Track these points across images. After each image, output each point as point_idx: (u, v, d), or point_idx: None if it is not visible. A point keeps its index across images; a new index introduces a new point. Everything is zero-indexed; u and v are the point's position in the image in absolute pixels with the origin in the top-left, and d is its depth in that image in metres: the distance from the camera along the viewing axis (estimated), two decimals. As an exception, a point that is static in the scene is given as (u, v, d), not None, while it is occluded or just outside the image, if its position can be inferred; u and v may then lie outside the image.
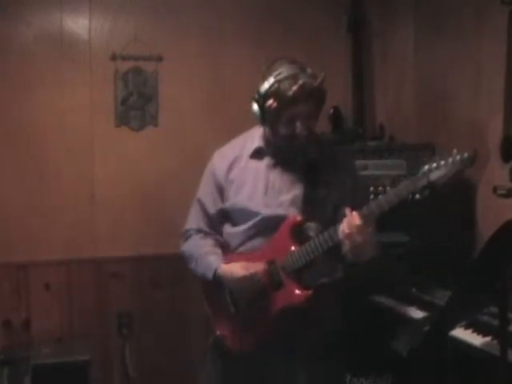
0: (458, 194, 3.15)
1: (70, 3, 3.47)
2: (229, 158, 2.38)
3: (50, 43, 3.45)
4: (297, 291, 2.17)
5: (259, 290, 2.21)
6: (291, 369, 2.25)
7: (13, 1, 3.39)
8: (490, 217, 2.66)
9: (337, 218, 2.18)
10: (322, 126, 3.57)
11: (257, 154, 2.35)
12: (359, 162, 3.08)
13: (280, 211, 2.25)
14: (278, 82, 2.19)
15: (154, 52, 3.55)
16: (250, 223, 2.29)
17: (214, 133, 3.38)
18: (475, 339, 2.22)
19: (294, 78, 2.19)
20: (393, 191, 2.07)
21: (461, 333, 2.26)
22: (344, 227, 2.06)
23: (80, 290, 3.50)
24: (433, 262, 3.00)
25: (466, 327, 2.28)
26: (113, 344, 3.56)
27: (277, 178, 2.30)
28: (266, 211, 2.26)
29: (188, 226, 2.45)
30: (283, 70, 2.21)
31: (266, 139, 2.34)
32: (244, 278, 2.21)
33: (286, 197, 2.27)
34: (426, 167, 2.01)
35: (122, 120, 3.57)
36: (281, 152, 2.31)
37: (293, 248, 2.20)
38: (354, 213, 2.06)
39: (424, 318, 2.49)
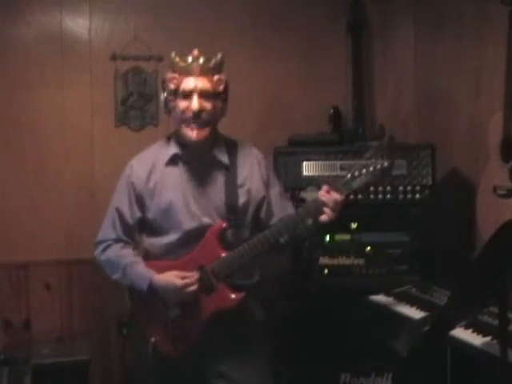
0: (458, 193, 3.15)
1: (70, 3, 3.47)
2: (146, 166, 2.39)
3: (50, 43, 3.45)
4: (229, 295, 2.26)
5: (192, 297, 2.27)
6: (223, 370, 2.32)
7: (13, 1, 3.39)
8: (490, 217, 2.66)
9: (259, 217, 2.36)
10: (322, 126, 3.59)
11: (173, 162, 2.38)
12: (359, 162, 3.09)
13: (204, 220, 2.32)
14: (171, 58, 2.32)
15: (154, 52, 3.55)
16: (176, 235, 2.33)
17: (214, 133, 3.38)
18: (475, 339, 2.22)
19: (189, 52, 2.32)
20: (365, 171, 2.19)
21: (461, 333, 2.26)
22: (328, 205, 2.17)
23: (80, 290, 3.50)
24: (433, 262, 3.00)
25: (466, 327, 2.28)
26: (113, 344, 3.56)
27: (195, 185, 2.35)
28: (189, 222, 2.32)
29: (105, 236, 2.43)
30: (173, 53, 2.34)
31: (180, 140, 2.37)
32: (180, 288, 2.25)
33: (210, 205, 2.33)
34: (349, 175, 2.19)
35: (122, 120, 3.57)
36: (195, 155, 2.36)
37: (223, 254, 2.28)
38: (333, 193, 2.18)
39: (424, 318, 2.49)
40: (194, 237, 2.31)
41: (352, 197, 3.08)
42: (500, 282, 1.78)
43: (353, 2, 3.67)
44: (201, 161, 2.37)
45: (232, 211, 2.33)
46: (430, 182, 3.06)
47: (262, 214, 2.41)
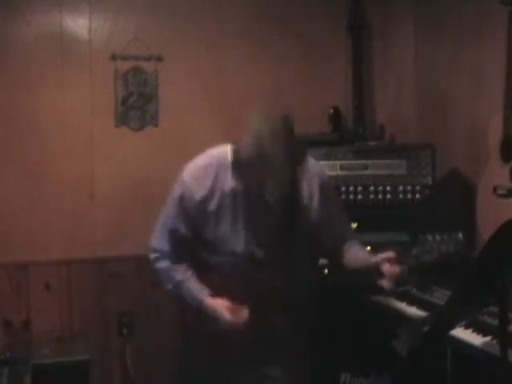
0: (458, 193, 3.15)
1: (70, 3, 3.47)
2: (202, 189, 2.26)
3: (49, 43, 3.44)
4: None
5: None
6: (274, 375, 2.30)
7: (13, 1, 3.39)
8: (490, 217, 2.66)
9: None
10: (322, 126, 3.59)
11: (232, 194, 2.25)
12: (359, 162, 3.09)
13: (256, 253, 2.26)
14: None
15: (154, 52, 3.55)
16: (228, 258, 2.27)
17: (214, 133, 3.38)
18: (475, 339, 2.22)
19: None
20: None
21: (461, 333, 2.26)
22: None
23: (80, 289, 3.50)
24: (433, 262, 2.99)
25: (466, 327, 2.28)
26: (113, 344, 3.56)
27: (252, 218, 2.24)
28: (239, 252, 2.25)
29: (159, 245, 2.38)
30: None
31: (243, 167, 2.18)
32: (227, 322, 2.23)
33: (264, 233, 2.25)
34: (420, 248, 2.11)
35: (122, 120, 3.57)
36: (253, 190, 2.17)
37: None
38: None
39: (424, 318, 2.49)
40: (248, 265, 2.26)
41: (352, 197, 3.10)
42: (500, 282, 1.78)
43: (353, 2, 3.67)
44: (259, 193, 2.15)
45: (285, 239, 2.25)
46: (430, 182, 3.06)
47: (322, 235, 2.33)
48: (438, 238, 2.09)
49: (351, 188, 3.08)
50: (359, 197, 3.06)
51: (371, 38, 3.80)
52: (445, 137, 3.28)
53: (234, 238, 2.27)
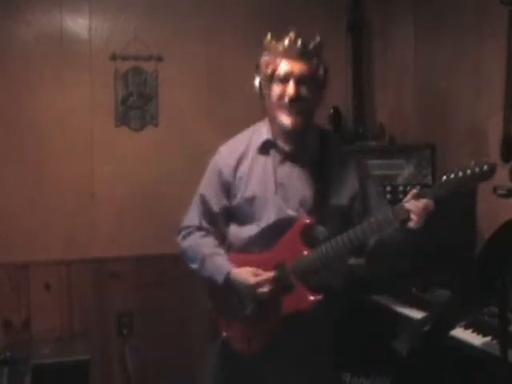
0: (458, 193, 3.15)
1: (70, 3, 3.47)
2: (236, 154, 2.30)
3: (50, 43, 3.44)
4: (308, 296, 2.15)
5: (267, 296, 2.19)
6: (295, 371, 2.24)
7: (13, 1, 3.39)
8: (490, 217, 2.67)
9: (351, 216, 2.23)
10: (322, 126, 3.58)
11: (264, 149, 2.27)
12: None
13: (290, 213, 2.22)
14: (267, 39, 2.20)
15: (154, 52, 3.55)
16: (259, 226, 2.24)
17: (214, 133, 3.38)
18: (475, 339, 2.22)
19: (285, 36, 2.18)
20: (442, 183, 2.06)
21: (461, 333, 2.26)
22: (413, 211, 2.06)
23: (80, 289, 3.50)
24: (433, 262, 3.00)
25: (466, 327, 2.28)
26: (113, 344, 3.56)
27: (285, 176, 2.25)
28: (276, 213, 2.22)
29: (188, 223, 2.37)
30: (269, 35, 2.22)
31: (273, 127, 2.26)
32: (252, 286, 2.19)
33: (296, 197, 2.23)
34: (444, 178, 2.04)
35: (122, 120, 3.57)
36: (288, 145, 2.24)
37: (305, 252, 2.18)
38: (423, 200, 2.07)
39: (424, 318, 2.49)
40: (277, 230, 2.21)
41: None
42: (500, 282, 1.78)
43: (353, 2, 3.67)
44: (293, 151, 2.25)
45: (318, 207, 2.21)
46: (430, 182, 3.06)
47: (356, 210, 2.28)
48: (459, 168, 2.02)
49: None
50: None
51: (371, 37, 3.80)
52: (445, 137, 3.28)
53: (264, 201, 2.23)
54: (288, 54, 2.15)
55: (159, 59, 3.56)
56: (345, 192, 2.25)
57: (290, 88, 2.14)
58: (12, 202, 3.42)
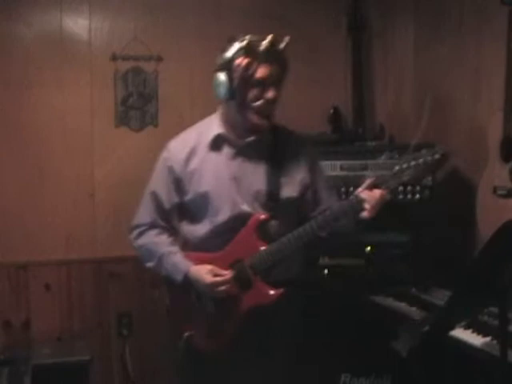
0: (458, 193, 3.15)
1: (69, 3, 3.47)
2: (186, 149, 2.30)
3: (50, 43, 3.44)
4: (268, 291, 2.18)
5: (226, 294, 2.21)
6: (259, 366, 2.26)
7: (13, 1, 3.39)
8: (490, 217, 2.66)
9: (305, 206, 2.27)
10: (322, 126, 3.59)
11: (216, 144, 2.28)
12: (359, 162, 3.09)
13: (244, 209, 2.23)
14: (245, 42, 2.16)
15: (154, 52, 3.55)
16: (214, 223, 2.25)
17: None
18: (475, 339, 2.22)
19: (261, 38, 2.17)
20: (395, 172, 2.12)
21: (461, 333, 2.26)
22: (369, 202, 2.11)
23: (80, 289, 3.50)
24: (433, 262, 3.00)
25: (466, 327, 2.28)
26: (113, 344, 3.56)
27: (238, 170, 2.26)
28: (230, 209, 2.23)
29: (140, 221, 2.36)
30: (247, 36, 2.19)
31: (228, 121, 2.27)
32: (210, 285, 2.20)
33: (250, 191, 2.24)
34: (397, 168, 2.09)
35: (122, 120, 3.57)
36: (240, 141, 2.26)
37: (261, 247, 2.20)
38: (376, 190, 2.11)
39: (424, 318, 2.49)
40: (232, 226, 2.23)
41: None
42: (500, 282, 1.78)
43: (353, 2, 3.67)
44: (246, 145, 2.27)
45: (272, 200, 2.23)
46: (430, 182, 3.06)
47: (307, 203, 2.32)
48: (412, 156, 2.08)
49: (351, 188, 3.07)
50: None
51: (371, 38, 3.80)
52: (445, 137, 3.28)
53: (217, 197, 2.24)
54: (266, 58, 2.15)
55: (159, 59, 3.56)
56: (296, 184, 2.28)
57: (269, 93, 2.17)
58: (12, 202, 3.42)
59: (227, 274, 2.20)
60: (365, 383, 3.04)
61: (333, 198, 2.38)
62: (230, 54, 2.18)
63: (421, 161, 2.06)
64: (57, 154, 3.48)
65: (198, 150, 2.29)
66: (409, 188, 3.07)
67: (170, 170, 2.31)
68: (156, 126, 3.60)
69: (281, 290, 2.17)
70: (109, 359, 3.55)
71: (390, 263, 3.08)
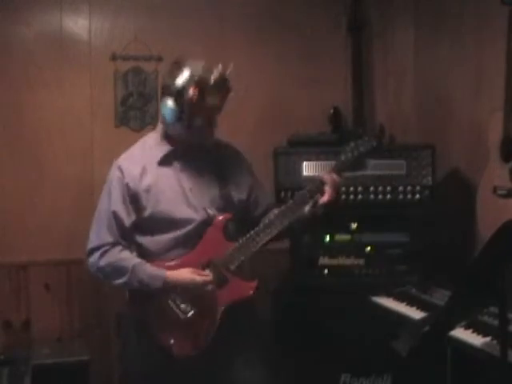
0: (458, 193, 3.15)
1: (69, 3, 3.47)
2: (137, 166, 2.37)
3: (49, 43, 3.45)
4: (245, 284, 2.30)
5: (207, 292, 2.29)
6: (237, 364, 2.34)
7: (13, 1, 3.39)
8: (490, 217, 2.66)
9: (249, 208, 2.43)
10: (322, 126, 3.59)
11: (165, 161, 2.38)
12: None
13: (204, 215, 2.34)
14: (196, 73, 2.27)
15: (154, 52, 3.55)
16: (178, 232, 2.32)
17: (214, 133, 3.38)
18: (475, 339, 2.22)
19: (210, 68, 2.29)
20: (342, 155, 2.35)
21: (461, 333, 2.26)
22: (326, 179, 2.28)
23: (80, 290, 3.50)
24: (433, 262, 3.00)
25: (466, 327, 2.28)
26: (113, 344, 3.55)
27: (190, 181, 2.37)
28: (191, 217, 2.33)
29: (101, 242, 2.36)
30: (195, 64, 2.30)
31: (173, 138, 2.39)
32: (200, 284, 2.28)
33: (206, 199, 2.36)
34: (343, 157, 2.35)
35: (122, 120, 3.57)
36: (187, 154, 2.39)
37: (230, 246, 2.31)
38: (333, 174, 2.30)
39: (424, 318, 2.49)
40: (195, 231, 2.32)
41: (352, 197, 3.10)
42: (500, 282, 1.78)
43: (353, 2, 3.67)
44: (193, 158, 2.39)
45: (227, 204, 2.37)
46: (430, 182, 3.06)
47: (251, 204, 2.46)
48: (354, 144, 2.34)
49: (351, 188, 3.08)
50: (359, 197, 3.06)
51: (371, 37, 3.80)
52: (445, 137, 3.28)
53: (176, 209, 2.33)
54: (215, 88, 2.28)
55: (159, 59, 3.56)
56: (244, 188, 2.44)
57: (214, 120, 2.34)
58: (12, 202, 3.42)
59: (208, 273, 2.30)
60: (365, 383, 3.04)
61: (268, 197, 2.58)
62: (179, 82, 2.29)
63: (361, 148, 2.32)
64: (57, 154, 3.48)
65: (148, 167, 2.37)
66: (409, 188, 3.07)
67: (126, 187, 2.36)
68: (156, 125, 3.59)
69: (255, 283, 2.30)
70: (109, 359, 3.54)
71: (389, 263, 3.08)
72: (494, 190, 2.64)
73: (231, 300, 2.29)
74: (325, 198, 2.27)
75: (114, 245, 2.35)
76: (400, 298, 2.75)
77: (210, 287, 2.28)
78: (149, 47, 3.54)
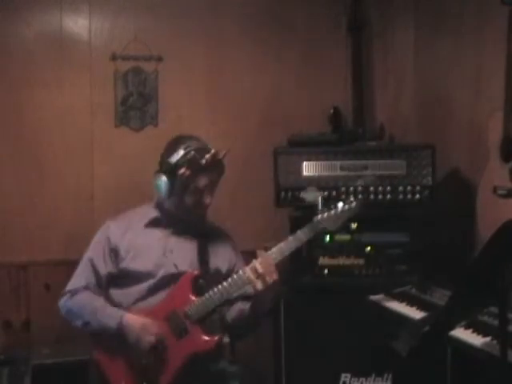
0: (458, 193, 3.15)
1: (69, 3, 3.47)
2: (123, 224, 2.53)
3: (49, 43, 3.45)
4: (204, 337, 2.31)
5: (161, 344, 2.31)
6: None
7: (13, 1, 3.39)
8: (490, 217, 2.66)
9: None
10: (322, 126, 3.58)
11: (153, 223, 2.51)
12: (359, 162, 3.09)
13: (172, 269, 2.43)
14: (189, 152, 2.38)
15: (154, 52, 3.55)
16: (150, 282, 2.41)
17: (214, 133, 3.37)
18: (475, 339, 2.21)
19: (203, 149, 2.40)
20: (292, 238, 2.37)
21: (461, 333, 2.26)
22: (257, 267, 2.28)
23: (80, 290, 3.50)
24: (433, 262, 3.00)
25: (466, 327, 2.28)
26: (113, 344, 3.55)
27: (173, 245, 2.48)
28: (164, 270, 2.42)
29: (74, 286, 2.49)
30: (191, 144, 2.42)
31: (165, 210, 2.52)
32: (144, 340, 2.30)
33: (185, 262, 2.44)
34: (319, 217, 2.37)
35: (122, 120, 3.57)
36: (176, 223, 2.50)
37: (194, 298, 2.34)
38: (267, 255, 2.30)
39: (424, 318, 2.48)
40: (165, 286, 2.41)
41: (352, 197, 3.10)
42: (500, 282, 1.77)
43: (353, 2, 3.67)
44: (180, 227, 2.52)
45: (203, 268, 2.45)
46: (430, 182, 3.06)
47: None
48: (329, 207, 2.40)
49: (351, 188, 3.08)
50: (359, 197, 3.06)
51: (371, 37, 3.79)
52: (445, 137, 3.28)
53: (153, 264, 2.44)
54: (207, 169, 2.39)
55: (159, 59, 3.56)
56: (224, 262, 2.54)
57: (206, 199, 2.44)
58: (12, 201, 3.42)
59: (157, 332, 2.32)
60: (365, 383, 3.04)
61: None
62: (173, 160, 2.40)
63: (339, 210, 2.39)
64: (57, 153, 3.48)
65: (134, 226, 2.51)
66: (409, 188, 3.07)
67: (108, 240, 2.49)
68: (156, 125, 3.60)
69: (216, 337, 2.31)
70: (109, 359, 3.54)
71: (389, 263, 3.08)
72: (494, 189, 2.63)
73: (192, 351, 2.30)
74: (257, 287, 2.28)
75: (85, 288, 2.46)
76: (400, 298, 2.75)
77: (153, 336, 2.29)
78: (149, 47, 3.54)
